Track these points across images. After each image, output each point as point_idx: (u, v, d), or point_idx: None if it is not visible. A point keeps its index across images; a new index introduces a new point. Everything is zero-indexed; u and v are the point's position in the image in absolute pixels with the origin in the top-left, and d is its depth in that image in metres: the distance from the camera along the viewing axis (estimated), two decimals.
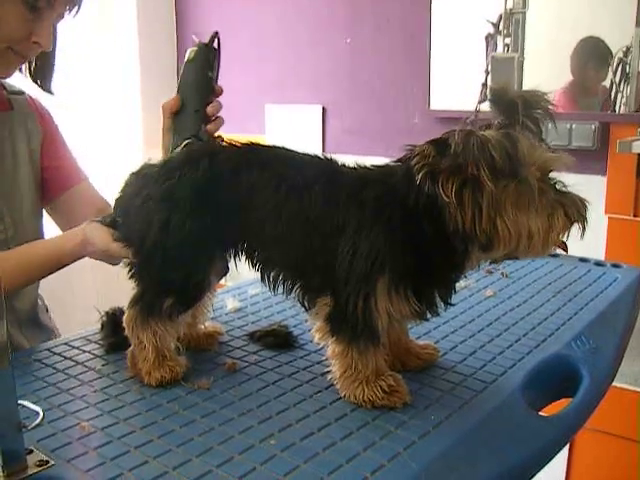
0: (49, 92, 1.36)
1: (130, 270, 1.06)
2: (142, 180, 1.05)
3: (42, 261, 1.21)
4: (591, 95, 2.23)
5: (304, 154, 1.03)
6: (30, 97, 1.41)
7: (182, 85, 1.23)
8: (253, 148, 1.05)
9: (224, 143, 1.06)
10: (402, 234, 0.91)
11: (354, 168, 1.00)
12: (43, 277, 1.26)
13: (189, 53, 1.24)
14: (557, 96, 2.29)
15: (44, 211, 1.46)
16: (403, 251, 0.92)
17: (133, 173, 1.08)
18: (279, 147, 1.05)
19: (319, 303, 0.98)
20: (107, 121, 3.31)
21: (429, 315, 0.99)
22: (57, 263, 1.21)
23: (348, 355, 0.96)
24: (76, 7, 1.25)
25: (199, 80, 1.23)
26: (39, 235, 1.41)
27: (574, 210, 0.91)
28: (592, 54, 2.20)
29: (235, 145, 1.05)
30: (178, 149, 1.15)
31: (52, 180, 1.43)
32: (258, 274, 1.05)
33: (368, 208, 0.93)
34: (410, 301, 0.93)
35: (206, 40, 1.24)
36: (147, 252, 1.01)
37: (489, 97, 0.94)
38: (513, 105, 0.90)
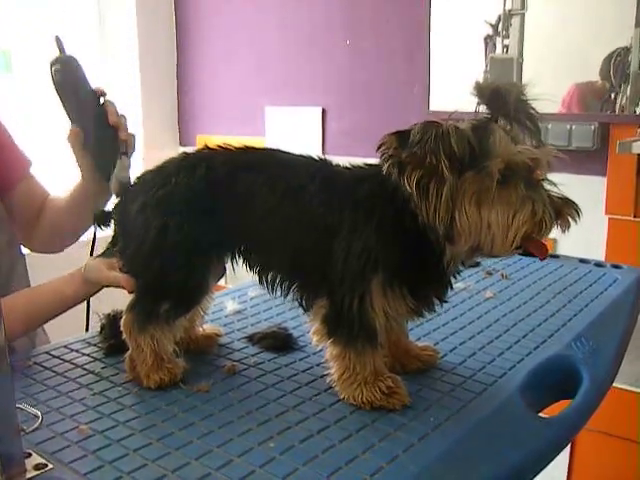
0: None
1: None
2: (137, 187, 1.05)
3: (45, 310, 1.20)
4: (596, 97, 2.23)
5: (298, 156, 1.04)
6: None
7: (71, 112, 1.18)
8: (248, 151, 1.05)
9: (219, 147, 1.05)
10: (393, 231, 0.92)
11: (348, 168, 1.00)
12: (46, 322, 1.24)
13: (54, 74, 1.15)
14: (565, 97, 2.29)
15: None
16: (395, 248, 0.92)
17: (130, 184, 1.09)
18: (273, 149, 1.06)
19: (316, 305, 0.98)
20: None
21: (426, 313, 0.99)
22: (60, 308, 1.19)
23: (346, 357, 0.96)
24: None
25: (84, 99, 1.17)
26: (7, 237, 1.37)
27: (541, 207, 0.87)
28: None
29: (230, 149, 1.05)
30: (114, 172, 1.15)
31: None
32: (255, 276, 1.05)
33: (360, 207, 0.93)
34: (405, 299, 0.93)
35: (59, 48, 1.17)
36: (144, 257, 1.02)
37: (471, 90, 0.92)
38: (498, 97, 0.90)
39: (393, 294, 0.93)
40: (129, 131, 1.22)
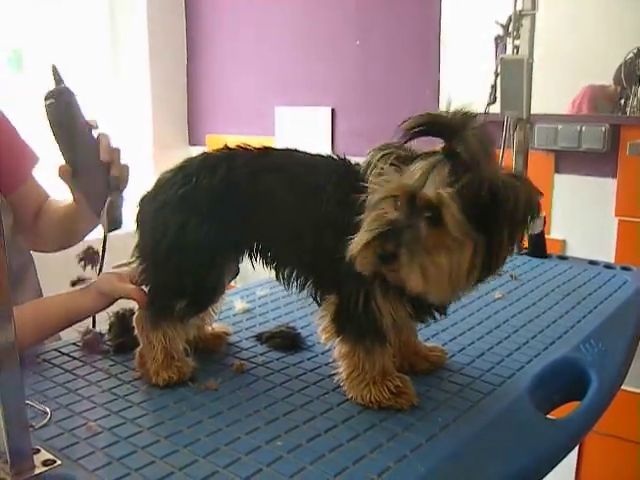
0: None
1: (142, 273, 1.07)
2: (157, 186, 1.05)
3: (54, 322, 1.18)
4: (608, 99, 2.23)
5: (317, 155, 1.04)
6: None
7: (62, 145, 1.16)
8: (268, 152, 1.06)
9: (239, 147, 1.05)
10: None
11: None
12: (55, 334, 1.24)
13: (47, 107, 1.13)
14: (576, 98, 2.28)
15: None
16: None
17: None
18: (293, 150, 1.06)
19: (327, 301, 0.98)
20: (116, 122, 3.32)
21: (427, 319, 0.99)
22: (70, 320, 1.19)
23: (355, 355, 0.96)
24: None
25: (75, 134, 1.15)
26: (18, 242, 1.38)
27: (370, 232, 0.86)
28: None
29: (250, 150, 1.05)
30: (104, 210, 1.15)
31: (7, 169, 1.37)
32: (272, 273, 1.06)
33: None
34: (404, 303, 0.93)
35: (55, 79, 1.14)
36: (163, 255, 1.02)
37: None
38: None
39: (394, 297, 0.92)
40: (123, 164, 1.20)
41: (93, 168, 1.17)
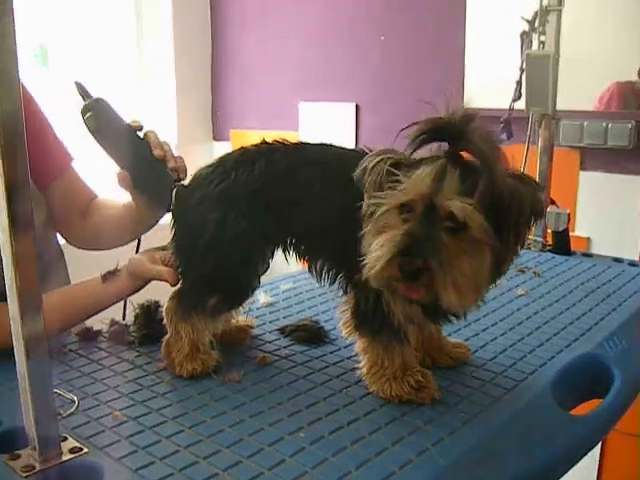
0: None
1: (177, 268, 1.09)
2: (195, 182, 1.06)
3: (82, 308, 1.20)
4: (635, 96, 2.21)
5: (351, 150, 1.05)
6: None
7: (113, 153, 1.16)
8: (304, 146, 1.07)
9: (276, 142, 1.06)
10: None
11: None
12: (84, 320, 1.24)
13: (87, 120, 1.14)
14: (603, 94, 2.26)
15: None
16: None
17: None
18: (327, 144, 1.07)
19: (348, 295, 0.99)
20: (140, 117, 3.35)
21: (441, 321, 0.98)
22: (100, 305, 1.20)
23: (373, 351, 0.96)
24: None
25: (125, 138, 1.16)
26: (49, 236, 1.39)
27: (388, 248, 0.82)
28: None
29: (287, 144, 1.06)
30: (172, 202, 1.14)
31: (37, 173, 1.35)
32: (305, 265, 1.07)
33: None
34: (413, 304, 0.91)
35: (82, 94, 1.15)
36: (200, 250, 1.02)
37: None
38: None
39: (401, 296, 0.90)
40: (176, 156, 1.20)
41: (150, 167, 1.16)
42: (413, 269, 0.80)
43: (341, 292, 1.03)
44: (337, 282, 1.03)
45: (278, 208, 1.02)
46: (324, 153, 1.05)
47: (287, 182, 1.01)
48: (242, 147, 1.07)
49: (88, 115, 1.14)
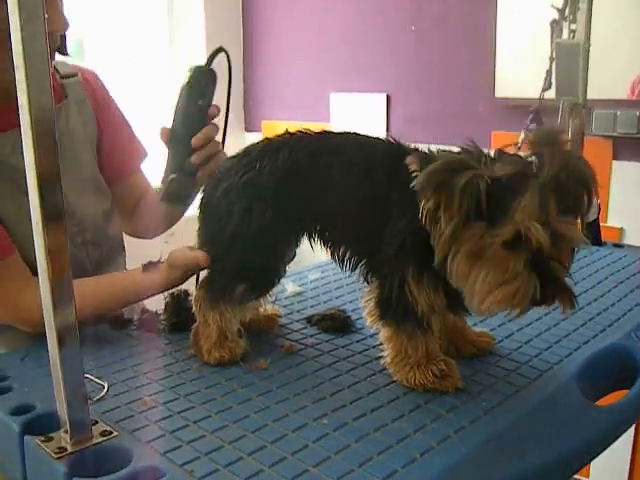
0: (64, 53, 1.29)
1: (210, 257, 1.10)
2: (220, 173, 1.08)
3: (116, 297, 1.22)
4: None
5: (374, 139, 1.05)
6: (84, 75, 1.39)
7: (175, 113, 1.21)
8: (327, 135, 1.08)
9: (299, 132, 1.07)
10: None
11: (422, 153, 0.99)
12: (118, 308, 1.25)
13: (185, 77, 1.20)
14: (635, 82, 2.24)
15: None
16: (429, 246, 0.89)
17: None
18: (351, 133, 1.07)
19: (372, 284, 1.00)
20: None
21: (462, 312, 1.00)
22: (136, 295, 1.23)
23: (398, 339, 0.97)
24: None
25: (185, 109, 1.20)
26: (111, 227, 1.42)
27: (526, 291, 0.84)
28: None
29: (310, 133, 1.07)
30: (163, 185, 1.20)
31: (112, 168, 1.44)
32: (328, 252, 1.07)
33: (412, 196, 0.90)
34: (439, 292, 0.93)
35: (204, 61, 1.22)
36: (226, 240, 1.04)
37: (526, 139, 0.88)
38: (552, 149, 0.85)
39: (427, 287, 0.93)
40: (211, 163, 1.22)
41: (183, 146, 1.20)
42: (547, 299, 0.86)
43: (362, 279, 1.04)
44: (359, 269, 1.04)
45: (302, 197, 1.03)
46: (347, 142, 1.05)
47: (310, 171, 1.02)
48: (266, 138, 1.09)
49: (189, 73, 1.20)
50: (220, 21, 3.38)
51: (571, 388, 0.98)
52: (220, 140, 1.26)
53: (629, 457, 2.37)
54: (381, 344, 1.02)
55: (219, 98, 1.24)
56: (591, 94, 1.79)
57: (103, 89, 1.45)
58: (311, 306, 1.33)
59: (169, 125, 1.22)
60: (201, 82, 1.20)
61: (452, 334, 1.08)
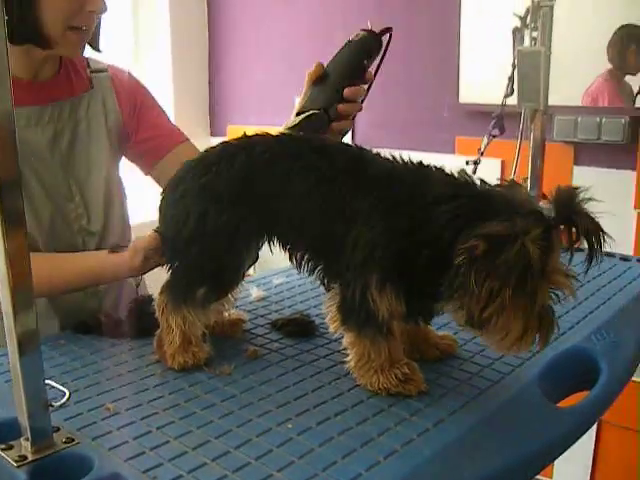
0: (97, 50, 1.37)
1: (167, 261, 1.09)
2: (179, 176, 1.08)
3: (78, 270, 1.23)
4: (626, 86, 2.22)
5: (336, 143, 1.06)
6: (116, 73, 1.43)
7: (334, 60, 1.25)
8: (287, 139, 1.08)
9: (257, 135, 1.07)
10: (406, 238, 0.92)
11: (386, 160, 1.01)
12: (79, 286, 1.26)
13: (354, 35, 1.25)
14: (593, 85, 2.28)
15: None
16: (403, 253, 0.92)
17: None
18: (312, 137, 1.08)
19: (333, 291, 1.00)
20: None
21: (420, 322, 1.03)
22: (97, 275, 1.23)
23: (360, 344, 0.98)
24: None
25: (350, 61, 1.24)
26: (116, 215, 1.43)
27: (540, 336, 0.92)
28: (631, 40, 2.19)
29: (268, 137, 1.07)
30: (300, 116, 1.22)
31: (148, 150, 1.45)
32: (287, 255, 1.07)
33: (382, 204, 0.94)
34: (400, 302, 0.94)
35: (377, 31, 1.26)
36: (184, 242, 1.04)
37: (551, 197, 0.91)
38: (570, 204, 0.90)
39: (389, 294, 0.93)
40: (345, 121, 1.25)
41: (335, 91, 1.23)
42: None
43: (320, 283, 1.05)
44: (315, 275, 1.04)
45: (259, 201, 1.03)
46: (305, 146, 1.05)
47: (267, 175, 1.02)
48: (224, 141, 1.09)
49: (360, 32, 1.26)
50: (186, 25, 3.36)
51: (533, 390, 1.00)
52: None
53: (591, 456, 2.41)
54: (345, 349, 1.03)
55: None
56: (552, 100, 1.82)
57: (135, 84, 1.47)
58: (275, 311, 1.33)
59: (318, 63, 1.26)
60: (372, 45, 1.25)
61: (415, 338, 1.09)
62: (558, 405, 0.99)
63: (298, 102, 1.26)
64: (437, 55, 2.67)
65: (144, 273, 1.22)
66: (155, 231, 1.13)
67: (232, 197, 1.02)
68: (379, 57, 1.29)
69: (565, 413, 0.96)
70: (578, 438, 0.99)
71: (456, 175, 0.96)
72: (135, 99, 1.45)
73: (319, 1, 3.04)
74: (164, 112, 1.51)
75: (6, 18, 0.69)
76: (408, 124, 2.80)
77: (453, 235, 0.87)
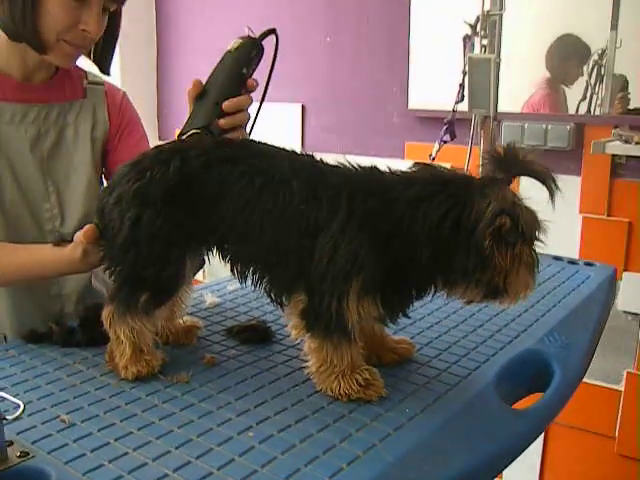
0: (106, 74, 1.41)
1: (106, 267, 1.07)
2: (113, 181, 1.06)
3: (22, 260, 1.21)
4: (563, 95, 2.28)
5: (279, 148, 1.04)
6: (111, 89, 1.46)
7: (212, 74, 1.20)
8: (224, 144, 1.06)
9: (192, 139, 1.07)
10: (384, 244, 0.93)
11: (337, 167, 1.01)
12: (19, 280, 1.25)
13: (232, 43, 1.21)
14: (534, 96, 2.33)
15: None
16: (381, 260, 0.93)
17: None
18: (250, 141, 1.07)
19: (293, 299, 0.99)
20: None
21: (390, 322, 1.03)
22: (39, 268, 1.21)
23: (323, 350, 0.97)
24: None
25: (227, 73, 1.19)
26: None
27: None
28: (571, 51, 2.24)
29: (204, 142, 1.06)
30: (184, 136, 1.14)
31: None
32: (227, 266, 1.06)
33: (357, 216, 0.94)
34: (377, 307, 0.96)
35: (256, 35, 1.23)
36: (120, 249, 1.02)
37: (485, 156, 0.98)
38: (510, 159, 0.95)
39: (367, 300, 0.94)
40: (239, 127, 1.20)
41: (215, 105, 1.16)
42: None
43: (265, 295, 1.03)
44: (261, 287, 1.02)
45: (195, 207, 1.01)
46: (245, 150, 1.04)
47: (202, 180, 1.01)
48: (158, 145, 1.08)
49: (238, 40, 1.20)
50: (134, 28, 3.32)
51: (490, 393, 1.01)
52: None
53: (540, 456, 2.46)
54: (303, 355, 1.02)
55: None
56: (502, 107, 1.85)
57: (127, 104, 1.51)
58: (231, 317, 1.31)
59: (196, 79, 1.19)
60: (250, 52, 1.20)
61: (372, 343, 1.09)
62: (514, 407, 1.01)
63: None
64: (387, 60, 2.69)
65: (88, 269, 1.20)
66: (94, 224, 1.10)
67: (166, 202, 1.00)
68: (271, 59, 1.28)
69: (522, 415, 0.97)
70: (535, 438, 1.01)
71: (412, 170, 0.98)
72: (123, 118, 1.47)
73: (268, 8, 3.03)
74: (146, 140, 1.52)
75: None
76: (358, 129, 2.82)
77: (444, 226, 0.91)
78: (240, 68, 1.19)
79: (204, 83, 1.18)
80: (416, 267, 0.94)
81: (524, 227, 0.91)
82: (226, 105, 1.16)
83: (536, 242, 0.95)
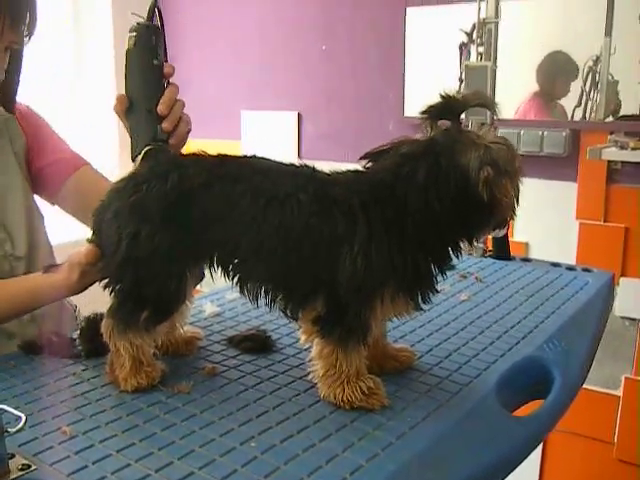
0: (11, 113, 1.38)
1: (106, 285, 1.06)
2: (109, 196, 1.04)
3: (14, 293, 1.21)
4: (556, 105, 2.29)
5: (280, 163, 1.03)
6: (18, 108, 1.43)
7: (127, 80, 1.12)
8: (224, 161, 1.04)
9: (193, 155, 1.05)
10: (406, 241, 0.95)
11: (335, 176, 1.01)
12: (15, 313, 1.24)
13: (128, 39, 1.11)
14: (526, 104, 2.34)
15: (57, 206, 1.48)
16: (407, 258, 0.95)
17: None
18: (252, 157, 1.05)
19: (307, 309, 0.98)
20: (80, 122, 3.31)
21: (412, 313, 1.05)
22: (33, 297, 1.21)
23: (334, 355, 0.97)
24: (27, 37, 1.27)
25: (143, 73, 1.12)
26: (39, 238, 1.41)
27: None
28: (559, 68, 2.26)
29: (205, 157, 1.04)
30: (139, 158, 1.10)
31: (51, 175, 1.44)
32: (236, 287, 1.04)
33: (377, 223, 0.94)
34: (408, 304, 0.99)
35: (144, 18, 1.13)
36: (119, 265, 1.01)
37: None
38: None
39: (399, 301, 0.97)
40: (183, 119, 1.18)
41: (150, 113, 1.12)
42: None
43: (277, 310, 1.02)
44: (275, 304, 1.01)
45: (196, 224, 0.99)
46: (247, 167, 1.02)
47: (204, 198, 0.99)
48: (155, 159, 1.08)
49: (132, 34, 1.12)
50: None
51: (491, 400, 1.01)
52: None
53: (538, 462, 2.46)
54: (304, 363, 1.02)
55: None
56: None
57: (34, 115, 1.48)
58: (231, 327, 1.31)
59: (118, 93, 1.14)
60: (150, 40, 1.12)
61: (374, 351, 1.09)
62: (515, 414, 1.01)
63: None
64: (383, 68, 2.70)
65: (84, 289, 1.18)
66: (90, 242, 1.09)
67: (165, 218, 0.99)
68: (164, 42, 1.18)
69: (523, 423, 0.98)
70: (536, 446, 1.01)
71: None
72: (36, 127, 1.46)
73: (265, 17, 3.04)
74: (63, 140, 1.51)
75: None
76: (354, 136, 2.82)
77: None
78: (150, 61, 1.12)
79: (125, 93, 1.13)
80: (439, 242, 0.98)
81: (507, 166, 0.97)
82: (161, 110, 1.12)
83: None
